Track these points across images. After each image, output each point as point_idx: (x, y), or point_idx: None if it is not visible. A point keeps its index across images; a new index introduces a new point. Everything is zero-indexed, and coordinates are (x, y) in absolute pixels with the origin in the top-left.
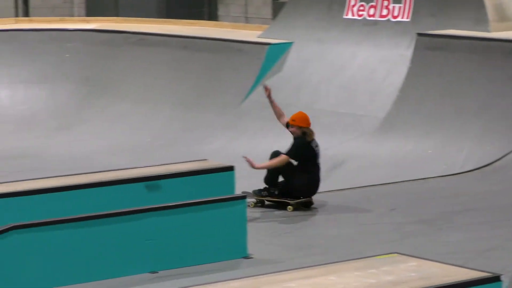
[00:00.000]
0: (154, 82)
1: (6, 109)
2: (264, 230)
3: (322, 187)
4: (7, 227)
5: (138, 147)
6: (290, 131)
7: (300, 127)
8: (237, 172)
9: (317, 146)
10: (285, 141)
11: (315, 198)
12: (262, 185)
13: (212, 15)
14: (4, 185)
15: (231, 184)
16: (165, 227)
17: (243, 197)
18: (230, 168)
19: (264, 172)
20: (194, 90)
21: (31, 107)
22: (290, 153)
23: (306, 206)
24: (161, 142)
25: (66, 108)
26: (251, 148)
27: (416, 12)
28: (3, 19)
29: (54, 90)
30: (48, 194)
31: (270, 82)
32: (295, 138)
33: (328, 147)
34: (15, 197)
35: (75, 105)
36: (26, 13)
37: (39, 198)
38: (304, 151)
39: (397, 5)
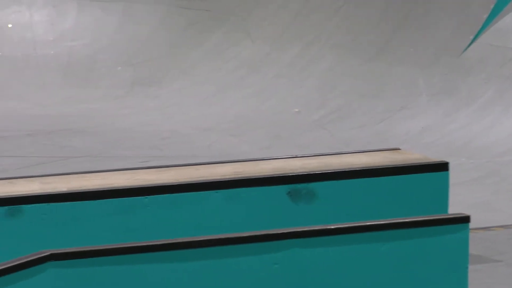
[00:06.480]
0: (306, 5)
1: (45, 44)
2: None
3: None
4: (38, 256)
5: (276, 122)
6: None
7: None
8: (456, 173)
9: None
10: None
11: None
12: None
13: None
14: (42, 180)
15: (443, 193)
16: (339, 262)
17: (465, 219)
18: (443, 166)
19: None
20: (381, 23)
21: (88, 43)
22: None
23: None
24: (318, 114)
25: (149, 46)
26: (478, 134)
27: None
28: None
29: (128, 13)
30: (114, 199)
31: None
32: None
33: None
34: (58, 203)
35: (165, 42)
36: None
37: (98, 207)
38: None
39: None
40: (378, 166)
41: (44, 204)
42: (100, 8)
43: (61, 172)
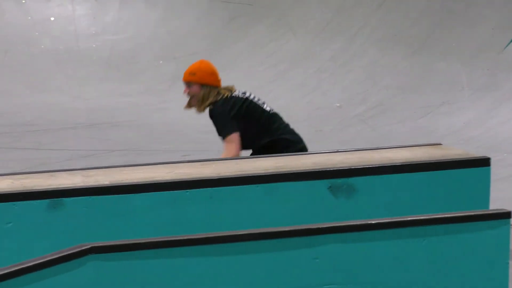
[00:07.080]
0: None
1: (87, 38)
2: None
3: None
4: (79, 249)
5: (317, 116)
6: (188, 94)
7: (204, 85)
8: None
9: (245, 94)
10: None
11: None
12: None
13: None
14: (84, 173)
15: (484, 188)
16: (380, 258)
17: (506, 215)
18: (485, 162)
19: None
20: (423, 18)
21: (130, 37)
22: (226, 131)
23: None
24: (359, 109)
25: (191, 40)
26: None
27: None
28: None
29: (170, 7)
30: (155, 193)
31: None
32: (211, 110)
33: None
34: (99, 196)
35: (207, 36)
36: None
37: (140, 200)
38: (240, 113)
39: None
40: (419, 161)
41: (85, 197)
42: (142, 2)
43: (102, 165)
